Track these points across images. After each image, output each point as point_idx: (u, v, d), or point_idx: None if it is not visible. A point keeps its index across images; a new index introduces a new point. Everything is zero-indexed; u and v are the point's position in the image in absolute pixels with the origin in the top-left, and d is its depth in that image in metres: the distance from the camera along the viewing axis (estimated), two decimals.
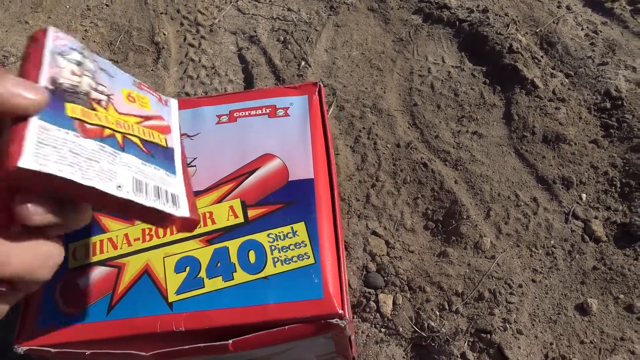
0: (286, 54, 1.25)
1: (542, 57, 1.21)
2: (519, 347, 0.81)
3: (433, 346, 0.82)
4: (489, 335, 0.82)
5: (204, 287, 0.54)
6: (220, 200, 0.60)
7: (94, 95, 0.40)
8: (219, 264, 0.56)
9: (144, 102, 0.46)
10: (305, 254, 0.56)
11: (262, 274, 0.55)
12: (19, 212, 0.31)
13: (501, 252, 0.91)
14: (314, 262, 0.55)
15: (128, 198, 0.36)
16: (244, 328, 0.52)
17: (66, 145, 0.34)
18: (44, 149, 0.32)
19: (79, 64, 0.40)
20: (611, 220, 0.95)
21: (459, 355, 0.81)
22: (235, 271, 0.55)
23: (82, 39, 1.33)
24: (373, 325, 0.85)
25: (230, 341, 0.52)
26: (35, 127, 0.33)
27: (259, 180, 0.62)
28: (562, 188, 0.99)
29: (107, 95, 0.42)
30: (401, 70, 1.22)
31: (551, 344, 0.83)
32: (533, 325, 0.84)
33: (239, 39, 1.31)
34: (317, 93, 0.69)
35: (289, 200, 0.60)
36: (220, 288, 0.54)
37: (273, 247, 0.56)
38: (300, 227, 0.58)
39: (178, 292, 0.54)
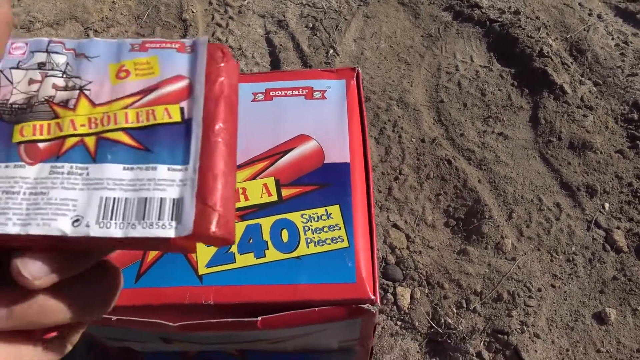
0: (314, 41, 1.24)
1: (571, 63, 1.20)
2: (536, 351, 0.80)
3: (449, 343, 0.81)
4: (505, 337, 0.81)
5: (235, 262, 0.54)
6: (254, 177, 0.60)
7: (60, 96, 0.33)
8: (250, 241, 0.55)
9: (146, 68, 0.36)
10: (339, 237, 0.55)
11: (294, 254, 0.54)
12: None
13: (522, 255, 0.91)
14: (347, 245, 0.54)
15: (91, 234, 0.26)
16: (274, 306, 0.52)
17: (2, 185, 0.28)
18: None
19: (41, 65, 0.34)
20: (633, 231, 0.94)
21: (474, 354, 0.80)
22: (268, 249, 0.54)
23: (110, 10, 1.32)
24: (389, 318, 0.84)
25: (259, 318, 0.51)
26: None
27: (294, 160, 0.61)
28: (586, 196, 0.99)
29: (80, 88, 0.33)
30: (429, 66, 1.21)
31: (567, 350, 0.82)
32: (550, 330, 0.83)
33: (267, 23, 1.30)
34: (354, 78, 0.68)
35: (323, 182, 0.59)
36: (251, 264, 0.53)
37: (306, 228, 0.56)
38: (334, 210, 0.57)
39: (208, 265, 0.54)
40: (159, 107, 0.31)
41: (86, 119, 0.30)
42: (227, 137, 0.30)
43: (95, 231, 0.26)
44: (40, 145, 0.29)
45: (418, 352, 0.82)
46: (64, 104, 0.31)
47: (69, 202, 0.27)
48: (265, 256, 0.54)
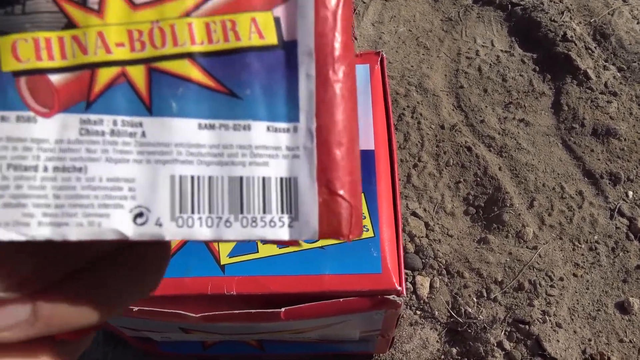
0: None
1: (595, 48, 1.17)
2: (558, 341, 0.79)
3: (469, 333, 0.80)
4: (527, 327, 0.80)
5: (257, 252, 0.53)
6: None
7: None
8: None
9: None
10: (364, 226, 0.54)
11: (318, 244, 0.53)
12: None
13: (543, 244, 0.89)
14: (373, 235, 0.53)
15: (166, 237, 0.17)
16: (297, 297, 0.51)
17: (5, 155, 0.17)
18: None
19: None
20: None
21: (495, 344, 0.79)
22: None
23: None
24: (408, 307, 0.83)
25: (283, 309, 0.50)
26: None
27: None
28: (609, 183, 0.97)
29: None
30: (448, 50, 1.19)
31: (589, 340, 0.81)
32: (572, 319, 0.82)
33: None
34: (379, 63, 0.67)
35: None
36: (274, 254, 0.53)
37: None
38: None
39: (231, 255, 0.53)
40: (241, 15, 0.19)
41: (124, 31, 0.18)
42: (351, 81, 0.19)
43: (171, 231, 0.17)
44: (53, 78, 0.17)
45: (437, 341, 0.81)
46: (81, 0, 0.18)
47: (122, 183, 0.17)
48: (288, 246, 0.53)
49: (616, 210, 0.93)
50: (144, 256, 0.19)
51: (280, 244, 0.19)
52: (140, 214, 0.17)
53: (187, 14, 0.18)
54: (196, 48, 0.18)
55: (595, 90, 1.08)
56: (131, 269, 0.19)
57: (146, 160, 0.17)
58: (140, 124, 0.17)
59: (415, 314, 0.83)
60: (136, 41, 0.18)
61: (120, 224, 0.16)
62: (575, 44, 1.14)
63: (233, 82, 0.18)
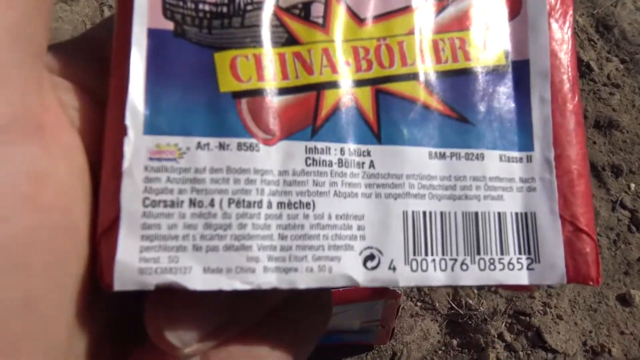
0: None
1: (597, 40, 1.16)
2: (558, 332, 0.79)
3: (469, 324, 0.81)
4: (528, 318, 0.80)
5: None
6: None
7: None
8: None
9: None
10: None
11: None
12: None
13: None
14: None
15: (400, 283, 0.15)
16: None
17: (225, 189, 0.14)
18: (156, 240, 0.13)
19: None
20: None
21: (496, 335, 0.79)
22: None
23: None
24: (409, 299, 0.83)
25: None
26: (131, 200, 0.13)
27: None
28: (611, 176, 0.97)
29: None
30: None
31: (590, 332, 0.81)
32: (573, 311, 0.82)
33: None
34: None
35: None
36: None
37: None
38: None
39: None
40: (469, 33, 0.16)
41: (349, 49, 0.16)
42: (580, 105, 0.17)
43: (405, 277, 0.15)
44: (276, 100, 0.15)
45: (438, 332, 0.81)
46: (304, 13, 0.16)
47: (352, 221, 0.15)
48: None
49: (618, 202, 0.93)
50: (316, 301, 0.18)
51: (515, 290, 0.16)
52: (371, 257, 0.15)
53: (414, 31, 0.16)
54: (425, 68, 0.16)
55: (598, 82, 1.08)
56: (316, 313, 0.17)
57: (375, 194, 0.15)
58: (368, 153, 0.15)
59: (416, 305, 0.83)
60: (362, 60, 0.15)
61: (351, 268, 0.14)
62: (578, 36, 1.14)
63: (463, 106, 0.16)
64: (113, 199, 0.13)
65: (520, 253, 0.15)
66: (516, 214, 0.15)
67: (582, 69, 1.09)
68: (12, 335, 0.12)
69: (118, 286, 0.13)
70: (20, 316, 0.12)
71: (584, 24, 1.18)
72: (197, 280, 0.13)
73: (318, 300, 0.18)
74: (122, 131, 0.13)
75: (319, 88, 0.15)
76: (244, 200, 0.14)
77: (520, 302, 0.82)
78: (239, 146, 0.14)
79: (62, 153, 0.13)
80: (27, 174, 0.12)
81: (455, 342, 0.81)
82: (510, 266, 0.15)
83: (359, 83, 0.15)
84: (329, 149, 0.15)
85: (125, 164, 0.13)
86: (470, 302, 0.82)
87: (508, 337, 0.79)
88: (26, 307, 0.12)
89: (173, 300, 0.14)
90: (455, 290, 0.84)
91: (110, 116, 0.14)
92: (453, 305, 0.82)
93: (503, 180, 0.16)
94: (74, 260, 0.13)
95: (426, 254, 0.15)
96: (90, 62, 0.15)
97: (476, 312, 0.81)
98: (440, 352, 0.80)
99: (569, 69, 0.16)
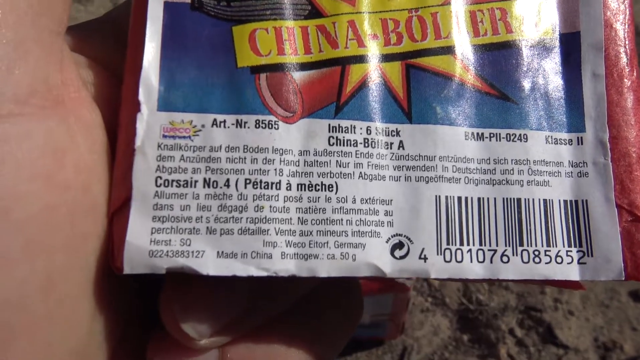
0: None
1: None
2: (569, 328, 0.79)
3: (480, 320, 0.81)
4: (539, 314, 0.80)
5: None
6: None
7: None
8: None
9: None
10: None
11: None
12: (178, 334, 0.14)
13: None
14: None
15: (432, 275, 0.14)
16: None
17: (241, 169, 0.13)
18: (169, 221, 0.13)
19: None
20: None
21: (507, 331, 0.79)
22: None
23: None
24: (420, 294, 0.84)
25: None
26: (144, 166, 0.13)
27: None
28: None
29: None
30: None
31: (602, 327, 0.81)
32: (584, 307, 0.82)
33: None
34: None
35: None
36: None
37: None
38: None
39: None
40: (512, 2, 0.15)
41: (378, 21, 0.14)
42: (639, 82, 0.15)
43: (438, 268, 0.13)
44: (297, 76, 0.14)
45: (449, 328, 0.81)
46: None
47: (378, 205, 0.13)
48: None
49: None
50: (346, 296, 0.16)
51: (564, 286, 0.15)
52: (399, 245, 0.14)
53: (450, 1, 0.15)
54: (461, 41, 0.15)
55: None
56: (346, 311, 0.16)
57: (405, 177, 0.14)
58: (398, 133, 0.14)
59: (426, 301, 0.83)
60: (391, 33, 0.14)
61: (377, 257, 0.13)
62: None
63: (504, 82, 0.15)
64: (125, 177, 0.13)
65: (570, 245, 0.14)
66: (565, 201, 0.14)
67: None
68: (33, 317, 0.12)
69: (128, 269, 0.13)
70: (41, 298, 0.12)
71: None
72: (210, 265, 0.12)
73: (348, 295, 0.16)
74: (136, 107, 0.13)
75: (343, 63, 0.14)
76: (261, 181, 0.13)
77: (531, 297, 0.82)
78: (257, 124, 0.13)
79: (82, 129, 0.13)
80: (46, 150, 0.12)
81: (465, 337, 0.81)
82: (559, 259, 0.13)
83: (388, 57, 0.14)
84: (354, 127, 0.14)
85: (138, 141, 0.13)
86: (481, 297, 0.82)
87: (519, 332, 0.79)
88: (47, 288, 0.12)
89: (189, 289, 0.14)
90: (465, 286, 0.84)
91: (125, 92, 0.13)
92: (463, 300, 0.82)
93: (550, 164, 0.14)
94: (94, 240, 0.13)
95: (461, 244, 0.13)
96: (110, 40, 0.15)
97: (487, 308, 0.81)
98: (450, 347, 0.80)
99: (626, 42, 0.15)
